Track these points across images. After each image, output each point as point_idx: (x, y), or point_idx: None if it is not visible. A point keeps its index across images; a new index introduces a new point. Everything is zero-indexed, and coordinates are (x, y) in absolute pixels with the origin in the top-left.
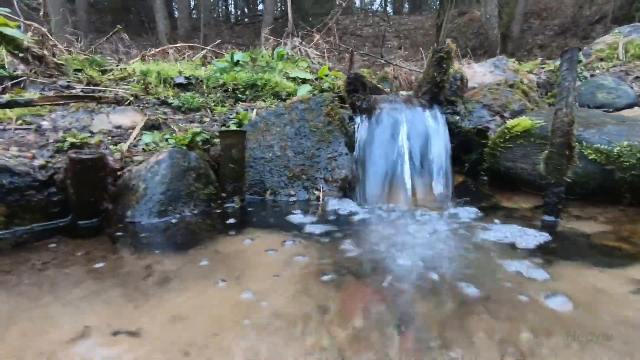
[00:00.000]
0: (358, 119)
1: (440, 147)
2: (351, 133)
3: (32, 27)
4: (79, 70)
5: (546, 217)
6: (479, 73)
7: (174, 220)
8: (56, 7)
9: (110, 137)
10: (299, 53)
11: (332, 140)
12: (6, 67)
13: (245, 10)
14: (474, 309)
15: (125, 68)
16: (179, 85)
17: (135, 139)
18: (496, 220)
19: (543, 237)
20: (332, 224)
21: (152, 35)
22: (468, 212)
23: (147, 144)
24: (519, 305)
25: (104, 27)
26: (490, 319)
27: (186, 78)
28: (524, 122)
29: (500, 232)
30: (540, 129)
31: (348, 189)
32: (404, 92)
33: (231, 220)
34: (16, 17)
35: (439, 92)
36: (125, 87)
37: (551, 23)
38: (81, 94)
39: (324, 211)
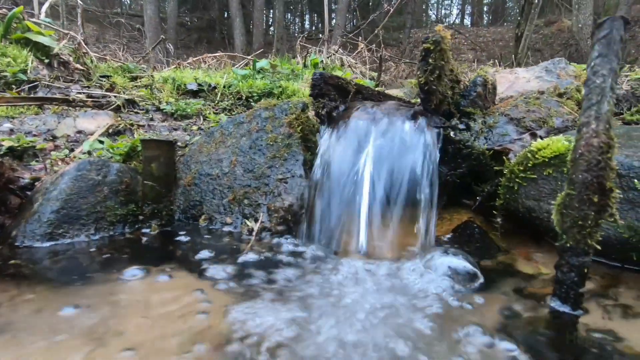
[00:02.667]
0: (324, 132)
1: (420, 173)
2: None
3: (68, 36)
4: (106, 77)
5: (556, 305)
6: (521, 79)
7: (62, 247)
8: (152, 27)
9: (67, 142)
10: (338, 62)
11: (287, 158)
12: (28, 71)
13: (320, 26)
14: None
15: (152, 75)
16: (191, 92)
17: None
18: (477, 305)
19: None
20: (254, 273)
21: (231, 50)
22: (445, 277)
23: (89, 152)
24: None
25: (190, 44)
26: None
27: (198, 85)
28: (556, 143)
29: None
30: None
31: (293, 222)
32: None
33: (135, 252)
34: (53, 26)
35: (427, 98)
36: (134, 92)
37: None
38: (47, 96)
39: (253, 251)
